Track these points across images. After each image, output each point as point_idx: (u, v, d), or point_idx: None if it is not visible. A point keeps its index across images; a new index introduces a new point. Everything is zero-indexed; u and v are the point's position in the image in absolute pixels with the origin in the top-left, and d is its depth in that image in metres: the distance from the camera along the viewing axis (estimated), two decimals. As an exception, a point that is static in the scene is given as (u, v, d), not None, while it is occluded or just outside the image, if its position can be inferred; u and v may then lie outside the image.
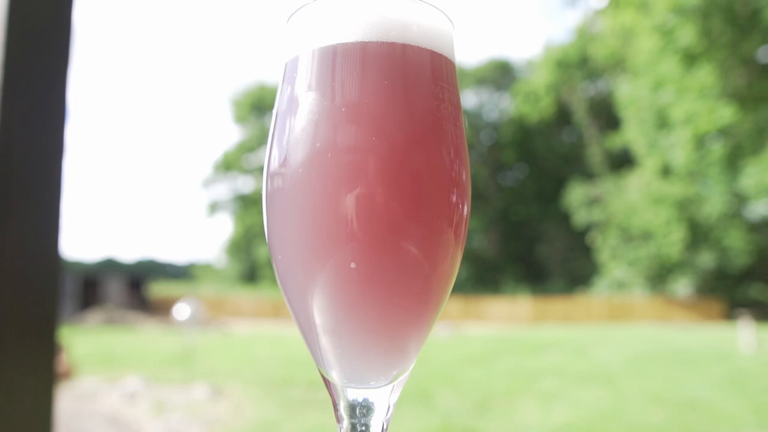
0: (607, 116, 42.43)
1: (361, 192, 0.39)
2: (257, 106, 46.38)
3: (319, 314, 0.42)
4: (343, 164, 0.39)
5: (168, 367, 13.31)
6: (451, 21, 0.46)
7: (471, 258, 46.62)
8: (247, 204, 47.15)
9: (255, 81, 58.86)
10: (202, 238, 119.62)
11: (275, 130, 0.45)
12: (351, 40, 0.42)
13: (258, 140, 45.80)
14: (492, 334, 24.18)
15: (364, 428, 0.43)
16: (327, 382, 0.44)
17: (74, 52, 1.01)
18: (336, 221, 0.40)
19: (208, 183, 48.71)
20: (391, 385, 0.44)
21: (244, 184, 48.07)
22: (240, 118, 47.46)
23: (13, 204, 0.92)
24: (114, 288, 35.80)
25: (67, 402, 9.89)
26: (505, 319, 32.46)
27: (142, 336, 22.16)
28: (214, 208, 49.24)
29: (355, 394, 0.42)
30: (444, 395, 9.85)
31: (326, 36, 0.43)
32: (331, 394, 0.44)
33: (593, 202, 39.11)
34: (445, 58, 0.44)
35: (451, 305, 32.91)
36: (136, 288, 37.63)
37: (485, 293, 39.45)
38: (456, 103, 0.44)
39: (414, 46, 0.42)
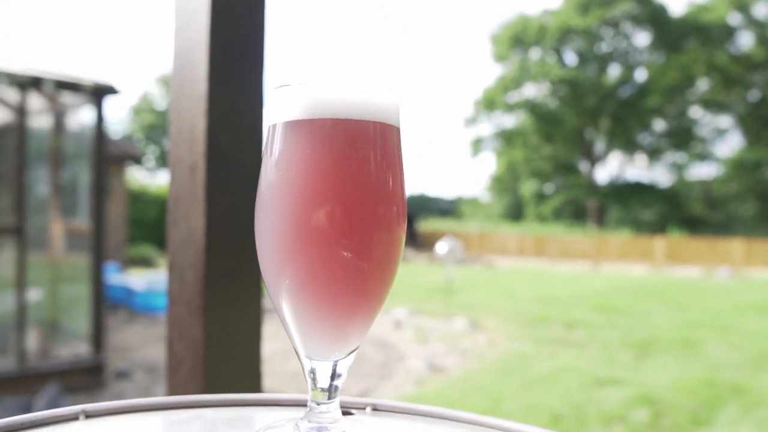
0: None
1: (294, 227, 0.57)
2: (518, 39, 45.34)
3: (284, 310, 0.60)
4: (282, 208, 0.58)
5: (432, 299, 14.24)
6: (388, 90, 0.61)
7: (758, 194, 41.05)
8: (510, 140, 46.87)
9: (515, 12, 57.49)
10: (470, 172, 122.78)
11: (260, 176, 0.63)
12: (290, 118, 0.59)
13: (519, 75, 44.95)
14: (783, 280, 21.36)
15: (325, 388, 0.61)
16: (297, 353, 0.62)
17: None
18: (276, 249, 0.59)
19: (470, 122, 49.36)
20: (339, 359, 0.61)
21: (507, 120, 47.71)
22: (499, 55, 46.90)
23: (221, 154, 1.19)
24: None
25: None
26: (804, 265, 28.15)
27: (411, 269, 23.84)
28: (477, 145, 49.77)
29: (314, 364, 0.61)
30: (713, 346, 9.13)
31: (279, 114, 0.61)
32: (300, 361, 0.62)
33: None
34: (371, 122, 0.59)
35: (733, 246, 29.52)
36: (408, 223, 40.28)
37: (777, 234, 34.59)
38: (379, 157, 0.59)
39: (337, 119, 0.57)
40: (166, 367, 1.22)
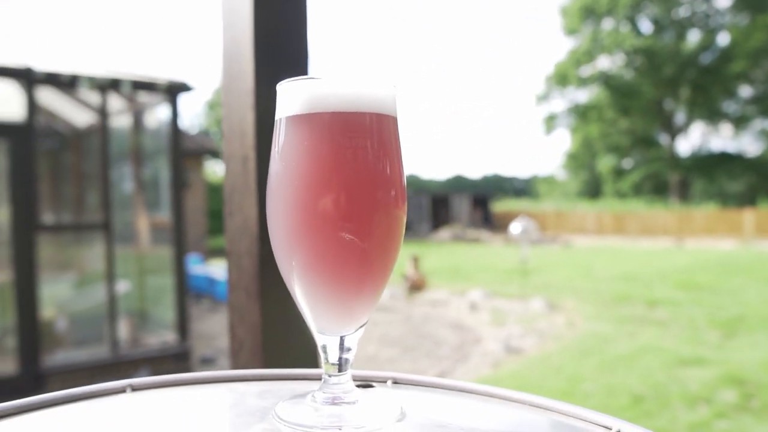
0: None
1: (298, 214, 0.61)
2: (589, 9, 43.79)
3: (295, 290, 0.65)
4: (287, 197, 0.62)
5: (508, 281, 14.11)
6: (380, 84, 0.64)
7: None
8: (585, 115, 45.40)
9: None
10: (544, 149, 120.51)
11: (269, 168, 0.67)
12: (292, 113, 0.63)
13: (592, 47, 43.43)
14: None
15: (335, 361, 0.65)
16: (310, 330, 0.66)
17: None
18: (284, 234, 0.63)
19: (542, 99, 48.14)
20: (348, 334, 0.65)
21: (581, 95, 46.22)
22: (570, 28, 45.44)
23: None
24: (461, 205, 38.41)
25: (418, 307, 11.29)
26: None
27: (486, 251, 23.66)
28: (550, 122, 48.52)
29: (325, 340, 0.65)
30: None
31: (283, 109, 0.65)
32: (313, 338, 0.66)
33: None
34: (367, 114, 0.62)
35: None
36: (481, 204, 39.81)
37: None
38: (375, 145, 0.62)
39: (335, 112, 0.61)
40: (229, 350, 1.29)
